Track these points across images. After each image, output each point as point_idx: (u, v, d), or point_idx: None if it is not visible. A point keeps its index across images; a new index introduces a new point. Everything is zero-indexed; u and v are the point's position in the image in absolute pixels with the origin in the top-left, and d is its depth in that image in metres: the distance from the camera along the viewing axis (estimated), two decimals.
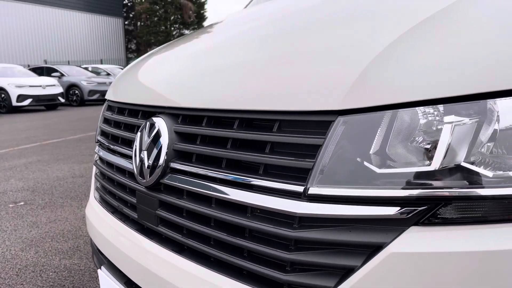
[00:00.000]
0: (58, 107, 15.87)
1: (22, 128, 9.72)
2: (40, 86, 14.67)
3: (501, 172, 0.71)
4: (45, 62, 27.47)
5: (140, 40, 41.92)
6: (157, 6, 41.53)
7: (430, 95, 0.74)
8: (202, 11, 43.71)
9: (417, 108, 0.75)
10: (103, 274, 1.34)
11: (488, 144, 0.72)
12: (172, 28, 42.05)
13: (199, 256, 1.00)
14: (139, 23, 44.03)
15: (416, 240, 0.72)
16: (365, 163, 0.76)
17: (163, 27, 41.37)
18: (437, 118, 0.74)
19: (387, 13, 1.00)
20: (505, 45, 0.76)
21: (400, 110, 0.76)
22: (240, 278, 0.90)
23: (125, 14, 43.00)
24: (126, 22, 43.38)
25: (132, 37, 44.34)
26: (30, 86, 14.45)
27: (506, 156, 0.71)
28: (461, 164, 0.72)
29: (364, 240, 0.75)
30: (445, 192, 0.72)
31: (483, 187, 0.71)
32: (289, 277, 0.81)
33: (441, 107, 0.74)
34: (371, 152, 0.76)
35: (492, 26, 0.81)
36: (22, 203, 3.95)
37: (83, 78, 17.38)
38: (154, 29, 40.82)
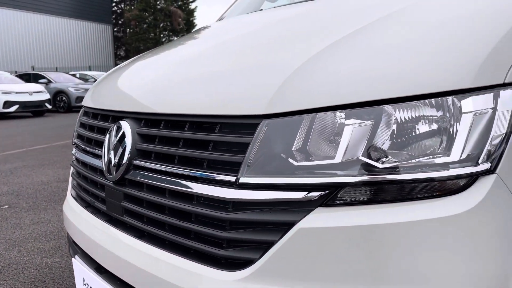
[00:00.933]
0: (45, 114, 15.88)
1: (8, 134, 9.77)
2: (27, 92, 14.70)
3: (389, 164, 0.90)
4: (33, 68, 27.37)
5: (129, 47, 41.97)
6: (146, 13, 41.65)
7: (337, 101, 0.93)
8: (191, 18, 43.98)
9: (326, 112, 0.93)
10: (77, 263, 1.50)
11: (383, 141, 0.90)
12: (162, 35, 42.20)
13: (156, 240, 1.17)
14: (128, 29, 44.08)
15: (319, 218, 0.89)
16: (285, 157, 0.94)
17: (152, 34, 41.49)
18: (341, 120, 0.92)
19: (309, 34, 1.20)
20: (397, 61, 0.95)
21: (313, 114, 0.94)
22: (188, 256, 1.07)
23: (114, 21, 43.05)
24: (115, 29, 43.41)
25: (121, 44, 44.37)
26: (17, 92, 14.46)
27: (394, 152, 0.90)
28: (359, 157, 0.90)
29: (281, 219, 0.92)
30: (344, 180, 0.90)
31: (374, 175, 0.89)
32: (225, 252, 0.98)
33: (344, 112, 0.92)
34: (290, 148, 0.94)
35: (388, 47, 1.00)
36: (6, 206, 4.05)
37: (71, 84, 17.43)
38: (143, 36, 40.91)
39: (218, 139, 1.04)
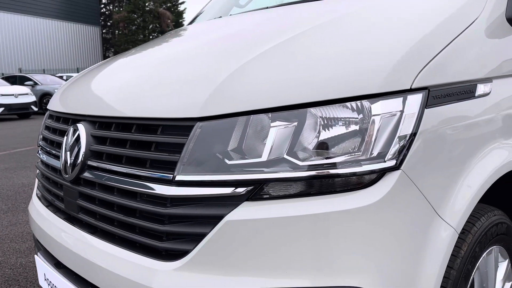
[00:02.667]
0: (31, 116, 15.79)
1: None
2: (13, 95, 14.60)
3: (309, 162, 0.99)
4: (20, 70, 27.14)
5: (118, 49, 41.76)
6: (135, 15, 41.51)
7: (265, 105, 1.02)
8: (180, 20, 43.94)
9: (254, 115, 1.02)
10: (39, 259, 1.57)
11: (305, 141, 1.00)
12: (151, 37, 42.08)
13: (107, 235, 1.25)
14: (117, 31, 43.88)
15: (245, 211, 0.99)
16: (217, 156, 1.03)
17: (141, 36, 41.35)
18: (268, 122, 1.01)
19: (248, 43, 1.29)
20: (320, 69, 1.05)
21: (243, 117, 1.03)
22: (135, 250, 1.15)
23: (102, 23, 42.80)
24: (103, 31, 43.17)
25: (110, 46, 44.15)
26: (2, 95, 14.36)
27: (314, 151, 0.99)
28: (283, 156, 1.00)
29: (211, 212, 1.01)
30: (269, 176, 0.99)
31: (295, 172, 0.98)
32: (164, 244, 1.07)
33: (270, 114, 1.02)
34: (221, 148, 1.02)
35: (313, 55, 1.10)
36: None
37: (57, 87, 17.32)
38: (132, 37, 40.75)
39: (159, 140, 1.12)
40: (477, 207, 1.20)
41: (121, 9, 42.89)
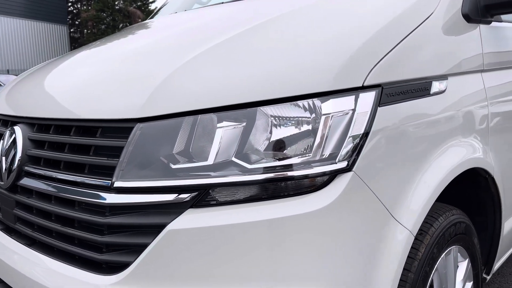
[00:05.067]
0: None
1: None
2: None
3: (258, 165, 0.93)
4: None
5: None
6: (104, 14, 40.57)
7: (211, 104, 0.95)
8: None
9: (199, 115, 0.95)
10: None
11: (255, 142, 0.94)
12: None
13: (46, 248, 1.15)
14: (85, 30, 42.80)
15: (189, 219, 0.91)
16: (159, 160, 0.95)
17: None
18: (214, 123, 0.95)
19: (196, 39, 1.22)
20: (270, 65, 0.99)
21: (185, 117, 0.96)
22: (74, 263, 1.06)
23: (70, 21, 41.63)
24: (71, 30, 42.00)
25: (79, 45, 42.97)
26: None
27: (264, 152, 0.93)
28: (231, 159, 0.93)
29: (153, 221, 0.94)
30: (215, 181, 0.92)
31: (244, 176, 0.92)
32: (103, 257, 0.98)
33: (216, 114, 0.95)
34: (164, 151, 0.95)
35: (262, 51, 1.04)
36: None
37: None
38: (101, 37, 39.66)
39: (98, 143, 1.04)
40: (435, 207, 1.17)
41: (89, 7, 41.86)
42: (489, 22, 1.39)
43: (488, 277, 1.63)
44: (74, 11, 43.85)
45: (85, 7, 43.56)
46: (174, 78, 1.01)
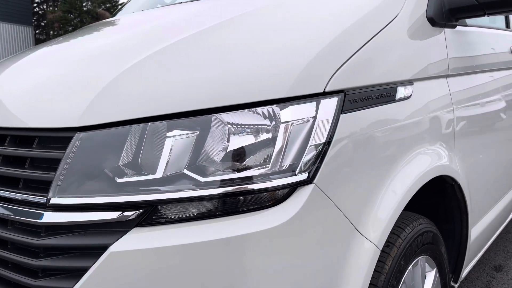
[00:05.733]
0: None
1: None
2: None
3: (213, 178, 0.85)
4: None
5: None
6: (71, 15, 39.49)
7: (159, 112, 0.87)
8: None
9: (146, 123, 0.86)
10: None
11: (209, 153, 0.85)
12: None
13: None
14: (52, 32, 41.53)
15: (134, 240, 0.82)
16: (101, 173, 0.85)
17: None
18: (163, 132, 0.86)
19: (147, 42, 1.12)
20: (226, 68, 0.92)
21: (131, 126, 0.86)
22: None
23: (35, 23, 40.29)
24: (37, 31, 40.65)
25: None
26: None
27: (219, 164, 0.85)
28: (183, 171, 0.84)
29: (94, 243, 0.84)
30: (164, 196, 0.83)
31: (196, 190, 0.84)
32: (39, 283, 0.87)
33: (165, 122, 0.86)
34: (106, 163, 0.85)
35: (215, 54, 0.96)
36: None
37: None
38: None
39: (34, 155, 0.93)
40: (402, 216, 1.12)
41: (56, 8, 40.65)
42: (454, 26, 1.37)
43: (456, 285, 1.61)
44: (40, 12, 42.47)
45: (51, 8, 42.30)
46: (119, 82, 0.92)
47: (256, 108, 0.86)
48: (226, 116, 0.86)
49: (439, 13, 1.26)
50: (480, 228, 1.71)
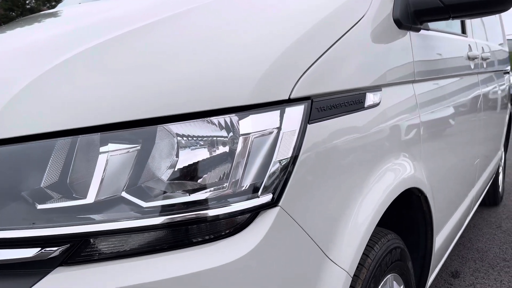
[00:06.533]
0: None
1: None
2: None
3: (158, 202, 0.70)
4: None
5: None
6: (13, 13, 37.26)
7: (91, 122, 0.71)
8: None
9: (69, 137, 0.70)
10: None
11: (154, 171, 0.71)
12: None
13: None
14: None
15: (57, 282, 0.66)
16: (14, 201, 0.68)
17: None
18: (93, 147, 0.70)
19: (68, 41, 0.95)
20: (174, 69, 0.77)
21: (57, 139, 0.70)
22: None
23: None
24: None
25: None
26: None
27: (166, 184, 0.70)
28: (120, 195, 0.69)
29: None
30: (96, 227, 0.68)
31: (139, 219, 0.69)
32: None
33: (100, 134, 0.70)
34: (22, 185, 0.68)
35: (161, 55, 0.81)
36: None
37: None
38: None
39: None
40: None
41: None
42: (418, 30, 1.30)
43: None
44: None
45: None
46: (41, 85, 0.75)
47: (211, 118, 0.73)
48: (175, 127, 0.72)
49: (405, 15, 1.19)
50: (444, 235, 1.67)
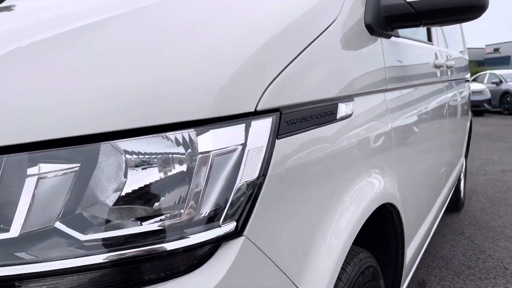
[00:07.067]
0: None
1: None
2: None
3: (99, 234, 0.59)
4: None
5: None
6: None
7: (17, 139, 0.59)
8: None
9: (5, 156, 0.58)
10: None
11: (96, 197, 0.59)
12: None
13: None
14: None
15: None
16: None
17: None
18: (24, 168, 0.58)
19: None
20: (120, 78, 0.65)
21: None
22: None
23: None
24: None
25: None
26: None
27: (111, 214, 0.59)
28: (54, 225, 0.57)
29: None
30: (22, 269, 0.56)
31: (73, 257, 0.57)
32: None
33: (29, 154, 0.58)
34: None
35: (105, 60, 0.70)
36: None
37: None
38: None
39: None
40: None
41: None
42: (389, 36, 1.25)
43: None
44: None
45: None
46: None
47: (166, 133, 0.62)
48: (123, 144, 0.61)
49: (376, 21, 1.13)
50: (414, 246, 1.64)
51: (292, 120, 0.76)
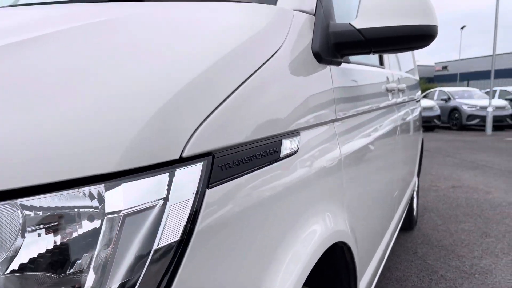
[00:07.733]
0: None
1: None
2: None
3: None
4: None
5: None
6: None
7: None
8: None
9: None
10: None
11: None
12: None
13: None
14: None
15: None
16: None
17: None
18: None
19: None
20: (20, 124, 0.53)
21: None
22: None
23: None
24: None
25: None
26: None
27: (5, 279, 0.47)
28: None
29: None
30: None
31: None
32: None
33: None
34: None
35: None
36: None
37: None
38: None
39: None
40: None
41: None
42: (339, 63, 1.19)
43: None
44: None
45: None
46: None
47: (69, 191, 0.51)
48: (19, 201, 0.49)
49: (325, 48, 1.07)
50: (368, 277, 1.58)
51: (227, 164, 0.67)
